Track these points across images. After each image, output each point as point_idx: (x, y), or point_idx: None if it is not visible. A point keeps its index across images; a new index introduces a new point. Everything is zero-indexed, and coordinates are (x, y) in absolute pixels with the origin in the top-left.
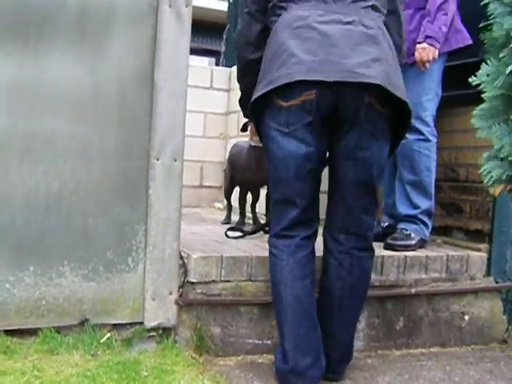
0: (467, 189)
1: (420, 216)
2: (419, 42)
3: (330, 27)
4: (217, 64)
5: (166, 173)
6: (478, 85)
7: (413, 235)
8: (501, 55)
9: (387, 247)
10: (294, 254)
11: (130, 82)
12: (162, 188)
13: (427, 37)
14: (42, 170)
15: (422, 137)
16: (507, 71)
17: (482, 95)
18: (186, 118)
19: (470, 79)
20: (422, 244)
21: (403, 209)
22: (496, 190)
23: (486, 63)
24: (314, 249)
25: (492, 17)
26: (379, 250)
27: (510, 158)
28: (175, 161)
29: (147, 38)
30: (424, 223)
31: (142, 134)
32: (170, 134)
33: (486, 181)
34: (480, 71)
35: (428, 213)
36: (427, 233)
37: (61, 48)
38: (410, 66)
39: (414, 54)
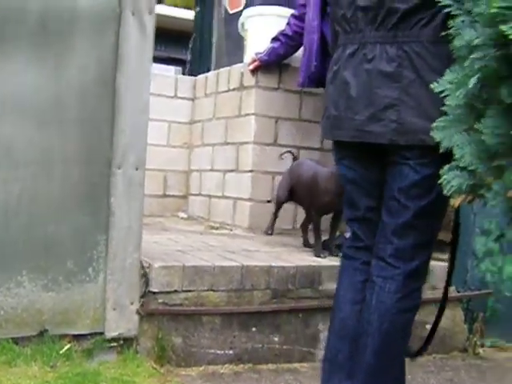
0: None
1: None
2: None
3: (352, 71)
4: (183, 73)
5: (128, 181)
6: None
7: None
8: (465, 64)
9: None
10: None
11: (92, 90)
12: (124, 197)
13: None
14: (1, 176)
15: None
16: (470, 84)
17: (445, 104)
18: (148, 126)
19: (431, 85)
20: None
21: None
22: (456, 202)
23: (450, 70)
24: None
25: (454, 27)
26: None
27: (470, 168)
28: (137, 169)
29: (110, 45)
30: None
31: (104, 141)
32: (133, 142)
33: (445, 191)
34: (443, 78)
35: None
36: None
37: (22, 53)
38: None
39: None
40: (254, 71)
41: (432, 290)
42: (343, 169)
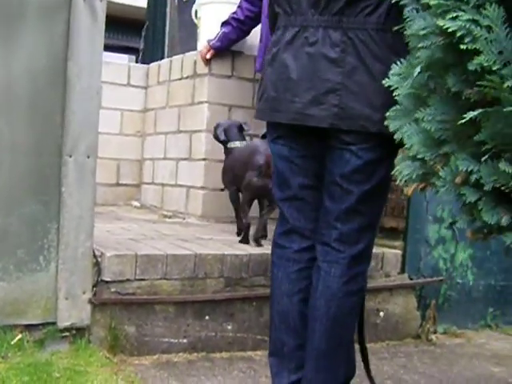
0: None
1: None
2: None
3: (293, 54)
4: (137, 62)
5: (79, 170)
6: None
7: None
8: (413, 54)
9: None
10: None
11: (42, 77)
12: (75, 185)
13: None
14: None
15: None
16: (415, 73)
17: (394, 95)
18: (99, 114)
19: (383, 81)
20: None
21: None
22: (408, 190)
23: (396, 64)
24: None
25: (406, 17)
26: None
27: (418, 157)
28: (88, 157)
29: (60, 32)
30: None
31: (55, 129)
32: (84, 130)
33: (398, 181)
34: (391, 72)
35: None
36: None
37: None
38: None
39: None
40: (208, 60)
41: (385, 277)
42: (278, 147)
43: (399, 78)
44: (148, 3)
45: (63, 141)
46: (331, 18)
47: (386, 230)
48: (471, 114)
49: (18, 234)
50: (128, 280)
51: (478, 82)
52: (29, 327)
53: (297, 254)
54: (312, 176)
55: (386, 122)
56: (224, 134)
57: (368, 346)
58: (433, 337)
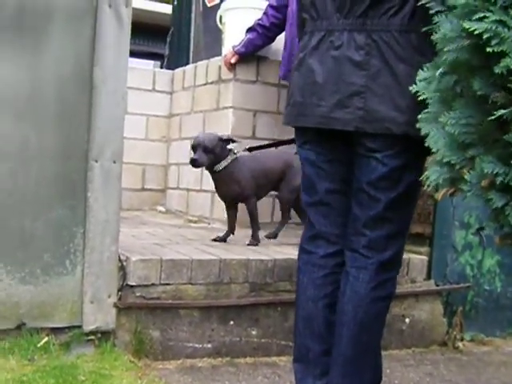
0: None
1: None
2: None
3: (319, 59)
4: (162, 67)
5: (105, 175)
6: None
7: None
8: (440, 57)
9: None
10: None
11: (68, 83)
12: (101, 190)
13: None
14: None
15: None
16: (437, 73)
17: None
18: (125, 119)
19: (410, 87)
20: None
21: None
22: (439, 195)
23: (422, 69)
24: None
25: (434, 20)
26: None
27: (444, 161)
28: (114, 162)
29: (86, 38)
30: None
31: (81, 135)
32: (110, 135)
33: (425, 186)
34: (418, 77)
35: None
36: None
37: None
38: None
39: None
40: (233, 65)
41: (411, 283)
42: (305, 152)
43: (425, 83)
44: (173, 9)
45: (89, 146)
46: (355, 21)
47: (412, 236)
48: (500, 112)
49: (44, 238)
50: (153, 284)
51: (506, 84)
52: (55, 330)
53: (322, 260)
54: (339, 181)
55: (418, 125)
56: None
57: (393, 352)
58: (460, 344)
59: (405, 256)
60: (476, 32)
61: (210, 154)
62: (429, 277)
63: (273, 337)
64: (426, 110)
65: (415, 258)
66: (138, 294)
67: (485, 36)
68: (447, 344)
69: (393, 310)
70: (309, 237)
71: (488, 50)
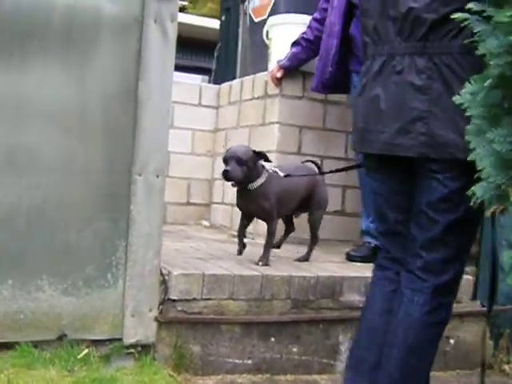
0: None
1: None
2: None
3: (381, 84)
4: (209, 82)
5: (148, 188)
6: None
7: None
8: (485, 73)
9: None
10: None
11: (114, 97)
12: (144, 203)
13: None
14: (26, 183)
15: None
16: (486, 83)
17: (467, 114)
18: (171, 133)
19: (453, 98)
20: None
21: None
22: (490, 211)
23: (470, 82)
24: None
25: (477, 35)
26: (363, 270)
27: (490, 180)
28: (157, 177)
29: (132, 53)
30: None
31: (126, 148)
32: (153, 149)
33: (471, 203)
34: (463, 90)
35: None
36: None
37: (46, 62)
38: None
39: None
40: (279, 80)
41: (456, 303)
42: (372, 182)
43: (471, 97)
44: (221, 24)
45: (133, 160)
46: (416, 44)
47: None
48: None
49: (87, 251)
50: (194, 299)
51: None
52: (95, 342)
53: (396, 276)
54: (405, 211)
55: (466, 137)
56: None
57: (437, 374)
58: (506, 367)
59: None
60: None
61: (243, 166)
62: (475, 297)
63: (314, 354)
64: (469, 126)
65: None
66: (179, 309)
67: None
68: (493, 367)
69: None
70: (384, 257)
71: None
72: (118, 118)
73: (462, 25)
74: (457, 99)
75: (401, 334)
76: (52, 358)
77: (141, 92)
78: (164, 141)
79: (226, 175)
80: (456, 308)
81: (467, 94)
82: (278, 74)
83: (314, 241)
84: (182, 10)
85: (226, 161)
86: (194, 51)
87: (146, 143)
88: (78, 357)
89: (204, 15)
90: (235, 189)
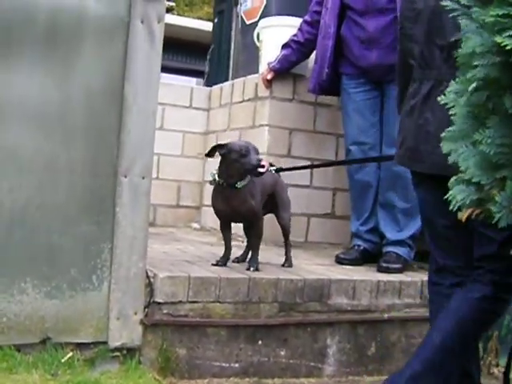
0: None
1: (407, 240)
2: None
3: (430, 108)
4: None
5: (134, 190)
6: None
7: (402, 258)
8: (469, 72)
9: (382, 270)
10: None
11: (99, 98)
12: (130, 206)
13: None
14: (7, 185)
15: None
16: (470, 88)
17: (451, 114)
18: (159, 135)
19: (438, 98)
20: (405, 266)
21: (392, 234)
22: (463, 215)
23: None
24: None
25: (463, 32)
26: (351, 273)
27: (474, 181)
28: (143, 178)
29: (118, 53)
30: (410, 246)
31: (110, 150)
32: (139, 151)
33: (451, 207)
34: (448, 89)
35: (414, 236)
36: (412, 255)
37: (28, 62)
38: None
39: None
40: (269, 82)
41: None
42: (420, 191)
43: (456, 96)
44: (213, 26)
45: (118, 161)
46: None
47: None
48: None
49: (71, 253)
50: (180, 302)
51: None
52: (80, 346)
53: (449, 289)
54: (454, 218)
55: (441, 144)
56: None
57: None
58: (495, 370)
59: None
60: (508, 47)
61: None
62: None
63: (302, 358)
64: (449, 129)
65: None
66: (164, 311)
67: None
68: (482, 369)
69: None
70: (435, 270)
71: None
72: (102, 119)
73: (451, 15)
74: (441, 99)
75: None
76: (35, 362)
77: (126, 93)
78: (150, 142)
79: (259, 165)
80: None
81: (451, 94)
82: (269, 76)
83: (289, 243)
84: (169, 10)
85: (247, 151)
86: (190, 54)
87: (131, 144)
88: (62, 360)
89: (200, 18)
90: (211, 189)
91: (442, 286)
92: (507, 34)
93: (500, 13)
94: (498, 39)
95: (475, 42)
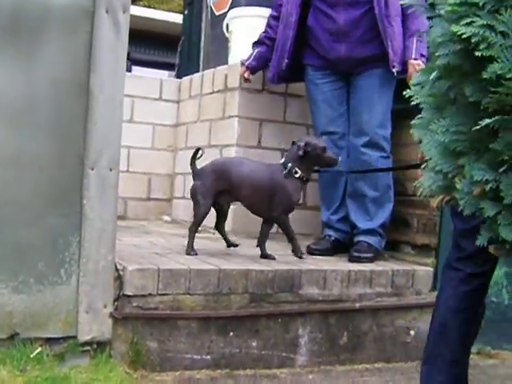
0: (415, 203)
1: (378, 229)
2: (415, 59)
3: None
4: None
5: (101, 182)
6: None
7: (373, 247)
8: (431, 62)
9: (354, 260)
10: None
11: (64, 89)
12: (97, 198)
13: (422, 55)
14: None
15: (384, 154)
16: (430, 78)
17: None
18: (129, 128)
19: (404, 92)
20: (376, 256)
21: (362, 223)
22: (434, 203)
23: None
24: None
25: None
26: (322, 263)
27: (437, 169)
28: (111, 170)
29: (83, 44)
30: (381, 235)
31: (77, 142)
32: (106, 143)
33: (419, 193)
34: (411, 81)
35: (384, 225)
36: (383, 244)
37: None
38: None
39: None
40: (247, 80)
41: (416, 295)
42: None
43: (419, 88)
44: (184, 18)
45: (85, 153)
46: None
47: (417, 247)
48: (486, 122)
49: (39, 247)
50: (150, 294)
51: (494, 89)
52: (49, 341)
53: (470, 277)
54: None
55: (411, 131)
56: None
57: (397, 365)
58: None
59: (409, 267)
60: (464, 36)
61: None
62: (434, 288)
63: (273, 348)
64: (419, 116)
65: (420, 270)
66: (134, 304)
67: (473, 40)
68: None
69: (397, 321)
70: (458, 257)
71: (476, 54)
72: (68, 111)
73: (410, 11)
74: (407, 92)
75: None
76: (3, 358)
77: (92, 84)
78: (117, 133)
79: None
80: (416, 299)
81: (414, 85)
82: (246, 75)
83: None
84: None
85: (325, 149)
86: (162, 47)
87: (98, 136)
88: (31, 356)
89: (172, 11)
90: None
91: (462, 272)
92: (464, 21)
93: (457, 1)
94: (454, 28)
95: (436, 32)
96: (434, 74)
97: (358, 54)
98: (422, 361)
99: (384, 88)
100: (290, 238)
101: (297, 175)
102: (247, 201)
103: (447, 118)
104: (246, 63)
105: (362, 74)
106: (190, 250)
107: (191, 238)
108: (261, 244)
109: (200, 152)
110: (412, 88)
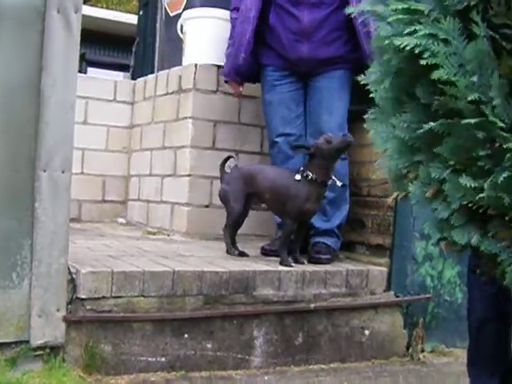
0: (369, 203)
1: (335, 230)
2: None
3: None
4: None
5: (54, 185)
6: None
7: (331, 248)
8: (386, 57)
9: (313, 261)
10: None
11: (15, 90)
12: (49, 200)
13: None
14: None
15: (342, 155)
16: (385, 85)
17: (372, 96)
18: (82, 130)
19: (358, 78)
20: (334, 256)
21: (320, 224)
22: (389, 199)
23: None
24: None
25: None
26: (276, 264)
27: (391, 164)
28: (63, 172)
29: (34, 44)
30: (338, 236)
31: (28, 143)
32: (58, 144)
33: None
34: (369, 69)
35: (341, 226)
36: (339, 245)
37: None
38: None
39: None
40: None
41: (370, 294)
42: None
43: (376, 77)
44: (138, 19)
45: (37, 155)
46: None
47: (371, 247)
48: (431, 125)
49: None
50: (104, 297)
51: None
52: (1, 345)
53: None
54: None
55: (365, 125)
56: None
57: (352, 365)
58: (420, 356)
59: (364, 267)
60: (407, 48)
61: None
62: (389, 288)
63: (229, 350)
64: (376, 108)
65: (375, 270)
66: (88, 308)
67: (416, 51)
68: (408, 356)
69: (352, 321)
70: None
71: (422, 62)
72: (19, 112)
73: (360, 20)
74: (361, 79)
75: None
76: None
77: (43, 84)
78: (69, 135)
79: None
80: (370, 299)
81: (372, 75)
82: (240, 89)
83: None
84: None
85: (330, 141)
86: (119, 48)
87: (49, 138)
88: None
89: (129, 12)
90: (310, 188)
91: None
92: (407, 30)
93: (400, 7)
94: (397, 41)
95: (382, 37)
96: (388, 79)
97: (321, 55)
98: (467, 362)
99: (344, 90)
100: (280, 246)
101: (308, 178)
102: (268, 204)
103: (408, 114)
104: (229, 78)
105: (321, 75)
106: (230, 249)
107: (228, 237)
108: (295, 248)
109: (231, 159)
110: (368, 76)
